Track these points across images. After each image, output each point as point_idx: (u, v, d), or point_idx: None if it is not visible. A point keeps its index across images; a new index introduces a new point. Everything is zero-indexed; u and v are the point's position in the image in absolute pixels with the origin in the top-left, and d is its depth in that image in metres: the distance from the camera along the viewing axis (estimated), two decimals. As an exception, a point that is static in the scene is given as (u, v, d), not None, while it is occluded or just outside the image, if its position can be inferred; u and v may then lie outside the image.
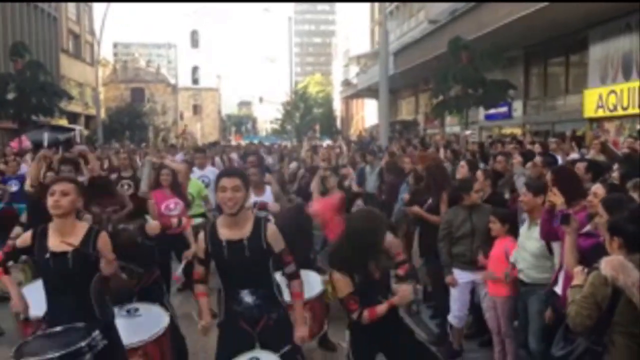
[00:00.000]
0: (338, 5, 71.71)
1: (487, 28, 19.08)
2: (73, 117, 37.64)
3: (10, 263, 4.04)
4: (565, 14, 16.40)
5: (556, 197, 4.15)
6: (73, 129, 30.00)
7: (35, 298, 5.18)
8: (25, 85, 19.42)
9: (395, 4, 36.70)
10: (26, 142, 20.34)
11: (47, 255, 3.62)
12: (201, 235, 3.78)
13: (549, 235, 4.37)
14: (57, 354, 3.28)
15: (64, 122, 31.83)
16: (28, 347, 3.47)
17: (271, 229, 3.72)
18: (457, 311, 5.68)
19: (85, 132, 34.09)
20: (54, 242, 3.64)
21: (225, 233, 3.67)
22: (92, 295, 3.66)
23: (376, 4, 36.34)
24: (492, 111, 22.62)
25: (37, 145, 17.93)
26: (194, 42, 69.73)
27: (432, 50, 23.68)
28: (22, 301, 3.93)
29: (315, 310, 5.46)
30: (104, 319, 3.71)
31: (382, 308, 3.77)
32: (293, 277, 3.84)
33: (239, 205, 3.60)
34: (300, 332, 3.79)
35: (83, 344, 3.36)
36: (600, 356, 3.07)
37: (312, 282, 5.63)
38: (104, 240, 3.72)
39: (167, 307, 4.89)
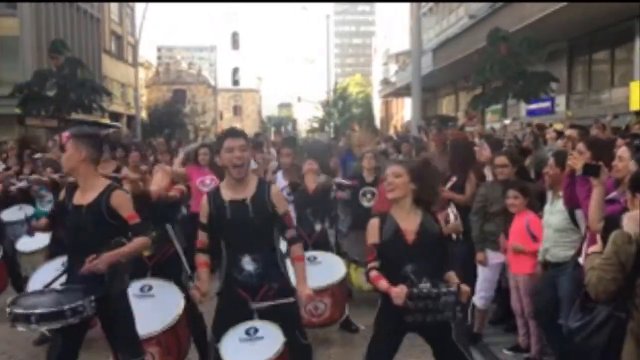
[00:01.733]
0: (378, 4, 71.28)
1: (528, 20, 18.52)
2: (115, 117, 38.41)
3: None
4: (610, 4, 15.77)
5: (576, 161, 3.85)
6: (113, 126, 30.54)
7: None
8: (65, 82, 19.81)
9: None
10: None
11: (70, 207, 3.68)
12: (204, 198, 3.68)
13: (571, 202, 4.06)
14: (37, 311, 3.28)
15: (105, 120, 32.47)
16: (22, 299, 3.55)
17: (274, 189, 3.66)
18: (483, 292, 5.36)
19: (126, 131, 34.72)
20: (77, 196, 3.68)
21: (228, 194, 3.58)
22: None
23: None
24: (533, 106, 21.96)
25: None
26: (235, 43, 70.52)
27: (471, 45, 23.17)
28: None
29: (336, 296, 5.32)
30: (110, 288, 3.58)
31: (383, 284, 3.31)
32: (294, 241, 3.70)
33: (246, 166, 3.57)
34: (303, 289, 3.64)
35: (66, 307, 3.32)
36: (623, 324, 2.77)
37: (335, 267, 5.47)
38: (118, 198, 3.63)
39: (185, 285, 4.63)
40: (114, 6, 42.94)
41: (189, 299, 4.59)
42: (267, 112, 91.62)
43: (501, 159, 5.33)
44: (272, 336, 3.43)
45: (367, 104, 64.09)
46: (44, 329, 3.48)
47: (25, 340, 5.53)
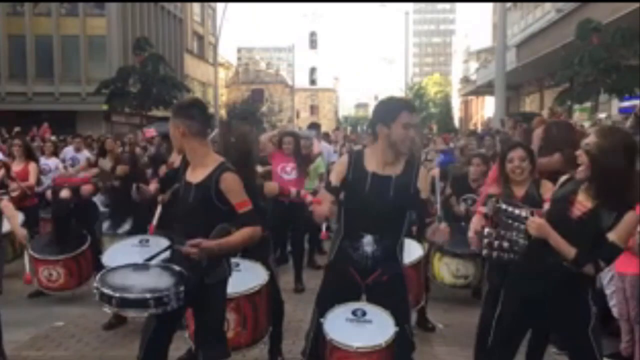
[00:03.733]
0: (459, 3, 69.90)
1: (622, 12, 17.30)
2: (195, 115, 39.45)
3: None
4: None
5: None
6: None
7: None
8: (147, 78, 20.37)
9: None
10: (151, 133, 21.29)
11: (182, 183, 3.41)
12: (344, 159, 3.36)
13: None
14: (118, 295, 3.05)
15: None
16: (111, 276, 3.25)
17: (423, 172, 3.32)
18: None
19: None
20: (189, 171, 3.38)
21: (373, 164, 3.25)
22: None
23: (498, -3, 34.67)
24: (626, 104, 20.58)
25: (164, 136, 18.76)
26: (312, 43, 71.22)
27: (558, 40, 22.02)
28: None
29: (411, 279, 4.89)
30: (207, 277, 3.27)
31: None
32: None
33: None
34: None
35: (149, 296, 3.05)
36: None
37: (411, 250, 5.07)
38: (228, 182, 3.22)
39: (270, 267, 4.52)
40: (196, 6, 44.16)
41: (274, 282, 4.46)
42: (344, 112, 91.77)
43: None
44: (382, 322, 3.19)
45: (445, 104, 62.88)
46: (126, 314, 3.27)
47: (94, 324, 5.49)
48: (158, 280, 3.17)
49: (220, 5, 40.86)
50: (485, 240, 3.37)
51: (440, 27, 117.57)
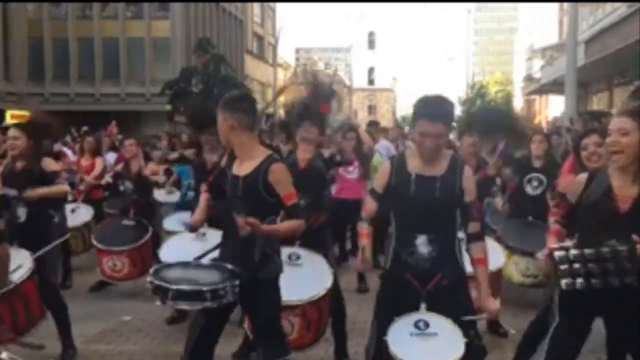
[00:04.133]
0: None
1: None
2: (255, 115, 39.98)
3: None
4: None
5: None
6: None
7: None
8: (209, 78, 20.69)
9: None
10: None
11: (229, 177, 3.41)
12: (385, 166, 3.30)
13: None
14: (175, 287, 3.06)
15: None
16: (165, 271, 3.29)
17: (468, 171, 3.19)
18: None
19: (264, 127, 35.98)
20: (236, 164, 3.38)
21: (416, 166, 3.16)
22: (258, 239, 3.21)
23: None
24: None
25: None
26: (371, 43, 71.12)
27: (630, 36, 21.07)
28: None
29: (491, 288, 4.69)
30: (259, 272, 3.24)
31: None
32: (477, 238, 3.19)
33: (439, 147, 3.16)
34: (490, 304, 3.13)
35: (205, 288, 3.05)
36: None
37: (492, 255, 4.87)
38: (277, 174, 3.23)
39: (330, 260, 4.43)
40: (256, 7, 44.73)
41: (335, 279, 4.33)
42: (402, 112, 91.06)
43: None
44: (448, 334, 3.01)
45: (507, 103, 61.48)
46: (181, 307, 3.34)
47: (158, 318, 5.53)
48: (212, 275, 3.18)
49: (280, 6, 41.30)
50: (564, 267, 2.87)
51: (502, 25, 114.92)
